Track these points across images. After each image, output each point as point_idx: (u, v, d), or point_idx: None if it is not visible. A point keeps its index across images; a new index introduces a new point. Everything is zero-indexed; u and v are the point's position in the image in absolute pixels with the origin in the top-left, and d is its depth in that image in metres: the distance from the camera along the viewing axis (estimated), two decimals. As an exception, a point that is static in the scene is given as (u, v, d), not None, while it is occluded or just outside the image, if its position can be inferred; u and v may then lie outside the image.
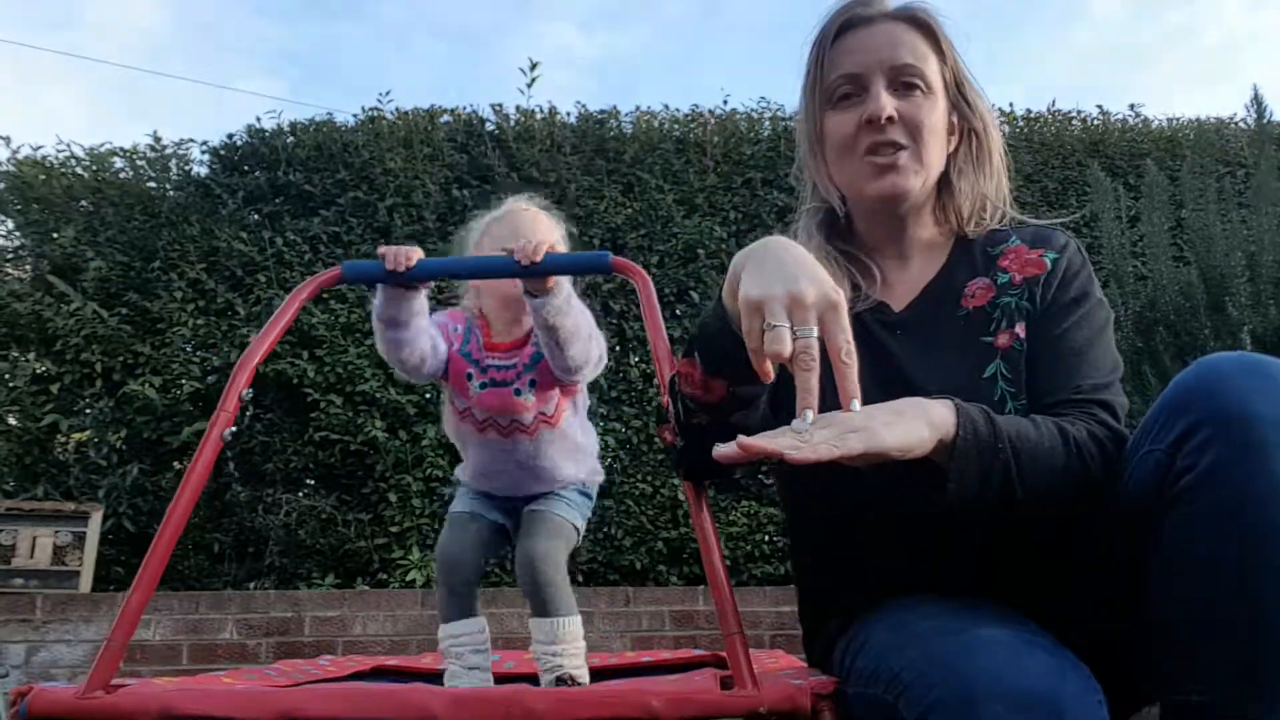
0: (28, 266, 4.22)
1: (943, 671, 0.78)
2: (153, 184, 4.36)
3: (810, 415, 0.81)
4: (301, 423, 3.90)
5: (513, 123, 4.50)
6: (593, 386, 1.78)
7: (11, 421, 3.85)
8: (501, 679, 1.63)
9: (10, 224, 4.26)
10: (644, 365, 4.01)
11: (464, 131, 4.45)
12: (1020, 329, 1.06)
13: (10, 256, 4.26)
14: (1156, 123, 4.94)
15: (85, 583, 3.31)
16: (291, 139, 4.37)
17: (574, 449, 1.64)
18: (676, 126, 4.59)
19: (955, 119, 1.14)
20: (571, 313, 1.45)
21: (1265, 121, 3.83)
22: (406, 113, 4.48)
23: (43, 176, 4.22)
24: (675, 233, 4.25)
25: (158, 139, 4.39)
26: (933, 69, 1.09)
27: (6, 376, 3.86)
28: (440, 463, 3.82)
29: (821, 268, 0.85)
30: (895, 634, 0.91)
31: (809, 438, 0.80)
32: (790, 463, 0.78)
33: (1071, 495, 0.91)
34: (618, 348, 4.10)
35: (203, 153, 4.42)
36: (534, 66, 4.53)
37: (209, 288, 4.05)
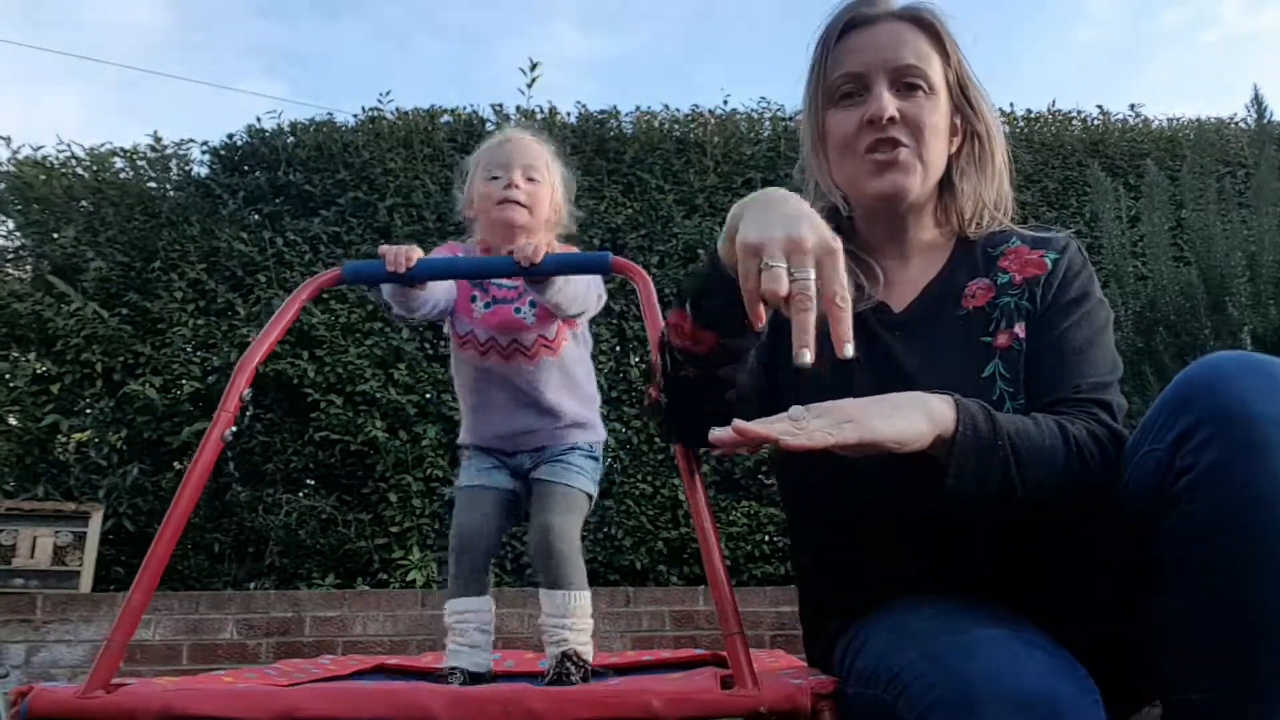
0: (28, 266, 4.22)
1: (942, 672, 0.79)
2: (153, 184, 4.36)
3: (801, 410, 0.82)
4: (302, 423, 3.90)
5: (513, 123, 4.50)
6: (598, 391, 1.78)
7: (12, 421, 3.85)
8: (501, 679, 1.63)
9: (11, 224, 4.26)
10: (644, 365, 4.00)
11: (464, 132, 4.45)
12: (1020, 329, 1.06)
13: (11, 256, 4.26)
14: (1156, 123, 4.94)
15: (85, 583, 3.31)
16: (292, 139, 4.36)
17: (574, 384, 1.65)
18: (676, 126, 4.59)
19: (958, 120, 1.14)
20: (570, 287, 1.49)
21: (1265, 121, 3.83)
22: (407, 113, 4.48)
23: (43, 176, 4.22)
24: (675, 233, 4.25)
25: (158, 139, 4.39)
26: (936, 70, 1.09)
27: (7, 376, 3.86)
28: (440, 463, 3.82)
29: (819, 217, 0.84)
30: (895, 634, 0.91)
31: (805, 425, 0.81)
32: (785, 449, 0.78)
33: (1070, 493, 0.91)
34: (618, 348, 4.10)
35: (203, 153, 4.42)
36: (534, 66, 4.53)
37: (209, 288, 4.05)
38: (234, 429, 1.16)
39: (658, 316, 1.28)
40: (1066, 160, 4.69)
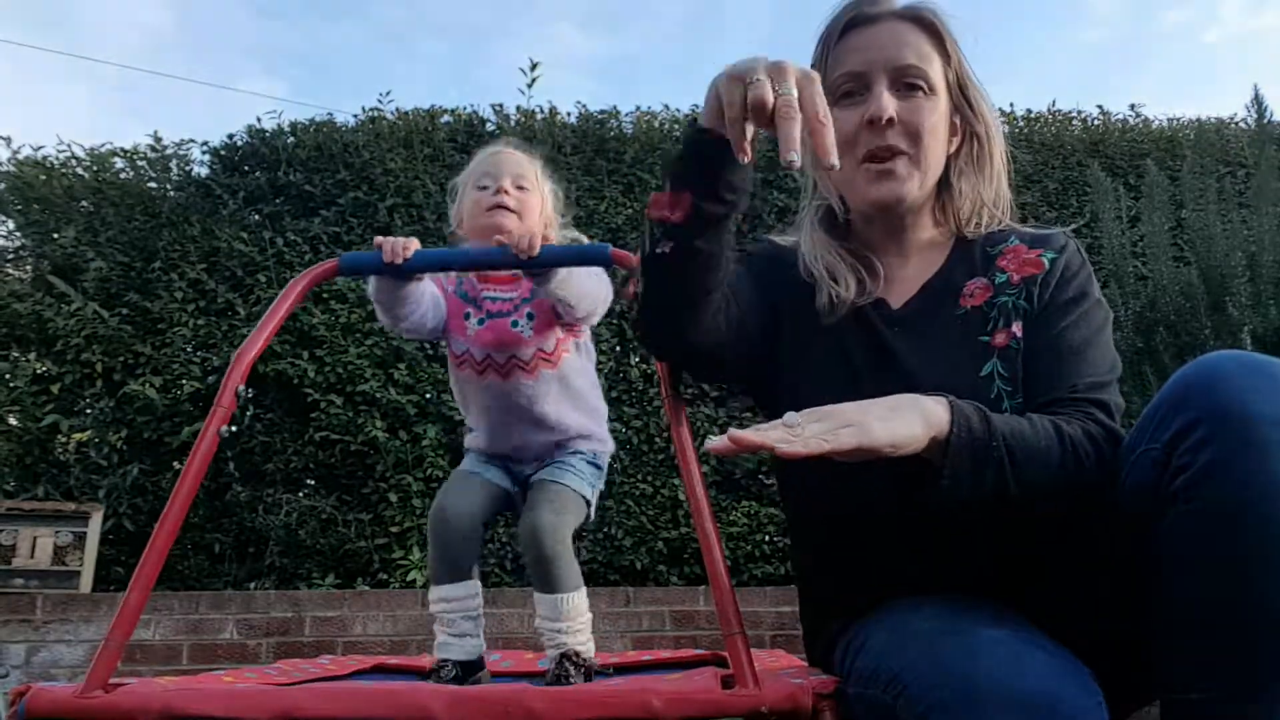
0: (28, 267, 4.22)
1: (943, 673, 0.78)
2: (153, 184, 4.35)
3: (796, 417, 0.81)
4: (302, 423, 3.90)
5: (513, 123, 4.50)
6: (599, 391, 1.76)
7: (12, 421, 3.85)
8: (501, 679, 1.62)
9: (11, 224, 4.25)
10: (644, 365, 4.01)
11: (464, 132, 4.45)
12: (1017, 328, 1.06)
13: (11, 257, 4.26)
14: (1157, 123, 4.94)
15: (85, 583, 3.31)
16: (292, 139, 4.36)
17: (576, 396, 1.61)
18: (677, 126, 4.58)
19: (957, 120, 1.14)
20: (573, 279, 1.45)
21: (1265, 121, 3.82)
22: (407, 113, 4.48)
23: (43, 177, 4.22)
24: (675, 233, 4.24)
25: (158, 139, 4.39)
26: (936, 70, 1.09)
27: (7, 376, 3.86)
28: (440, 463, 3.82)
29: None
30: (896, 635, 0.91)
31: (800, 432, 0.81)
32: (782, 457, 0.78)
33: (1067, 493, 0.92)
34: (618, 348, 4.10)
35: (203, 153, 4.42)
36: (534, 66, 4.54)
37: (209, 288, 4.05)
38: (230, 427, 1.15)
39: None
40: (1066, 160, 4.69)
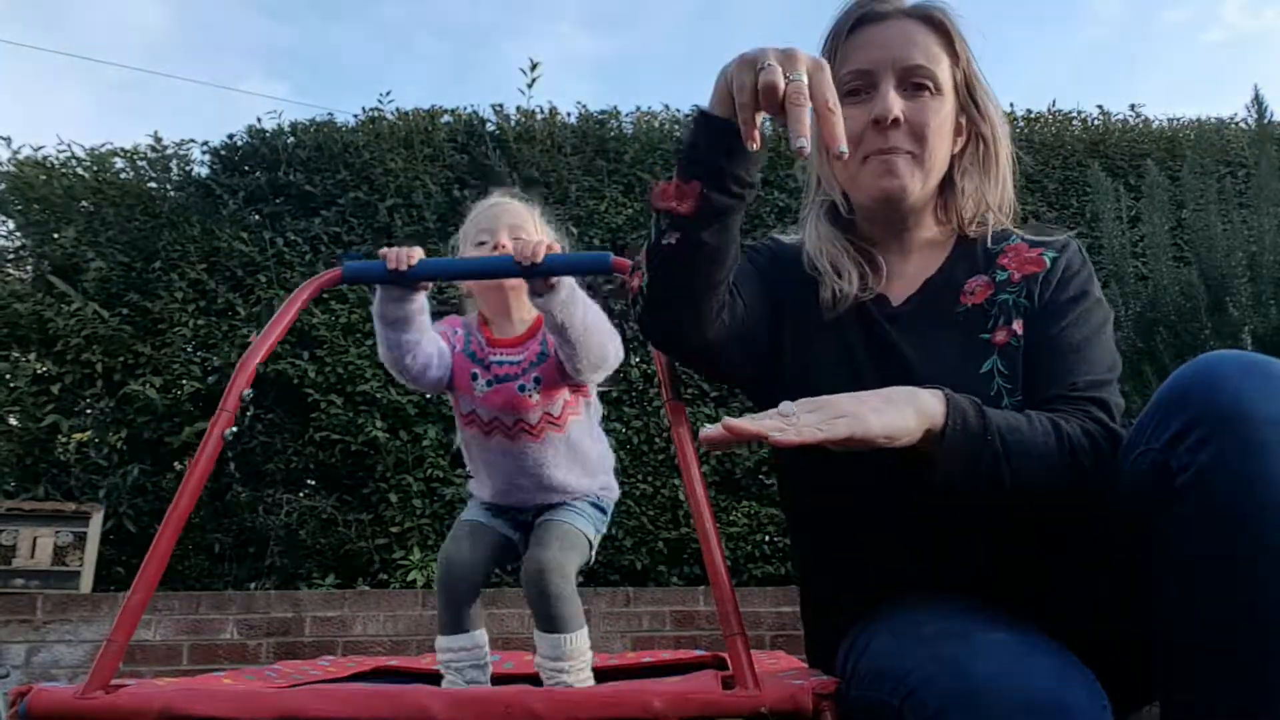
0: (28, 267, 4.22)
1: (948, 674, 0.78)
2: (153, 184, 4.36)
3: (791, 406, 0.81)
4: (302, 423, 3.90)
5: (513, 123, 4.50)
6: (600, 393, 1.75)
7: (12, 422, 3.85)
8: (501, 679, 1.62)
9: (11, 224, 4.26)
10: (644, 365, 4.01)
11: (465, 132, 4.46)
12: (1018, 326, 1.06)
13: (11, 257, 4.27)
14: (1157, 123, 4.93)
15: (86, 583, 3.31)
16: (292, 139, 4.37)
17: (583, 459, 1.60)
18: (677, 126, 4.58)
19: (963, 120, 1.13)
20: (578, 306, 1.44)
21: (1265, 121, 3.82)
22: (407, 113, 4.48)
23: (43, 177, 4.22)
24: (676, 233, 4.24)
25: (158, 139, 4.39)
26: (944, 70, 1.09)
27: (7, 377, 3.86)
28: (440, 463, 3.83)
29: None
30: (899, 637, 0.91)
31: (795, 421, 0.81)
32: (776, 446, 0.78)
33: (1063, 489, 0.92)
34: (618, 348, 4.10)
35: (203, 153, 4.42)
36: (534, 67, 4.54)
37: (210, 288, 4.05)
38: (234, 429, 1.16)
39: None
40: (1067, 160, 4.69)
